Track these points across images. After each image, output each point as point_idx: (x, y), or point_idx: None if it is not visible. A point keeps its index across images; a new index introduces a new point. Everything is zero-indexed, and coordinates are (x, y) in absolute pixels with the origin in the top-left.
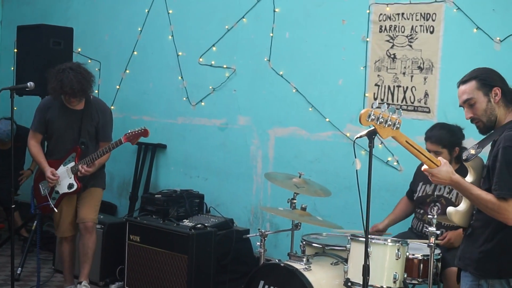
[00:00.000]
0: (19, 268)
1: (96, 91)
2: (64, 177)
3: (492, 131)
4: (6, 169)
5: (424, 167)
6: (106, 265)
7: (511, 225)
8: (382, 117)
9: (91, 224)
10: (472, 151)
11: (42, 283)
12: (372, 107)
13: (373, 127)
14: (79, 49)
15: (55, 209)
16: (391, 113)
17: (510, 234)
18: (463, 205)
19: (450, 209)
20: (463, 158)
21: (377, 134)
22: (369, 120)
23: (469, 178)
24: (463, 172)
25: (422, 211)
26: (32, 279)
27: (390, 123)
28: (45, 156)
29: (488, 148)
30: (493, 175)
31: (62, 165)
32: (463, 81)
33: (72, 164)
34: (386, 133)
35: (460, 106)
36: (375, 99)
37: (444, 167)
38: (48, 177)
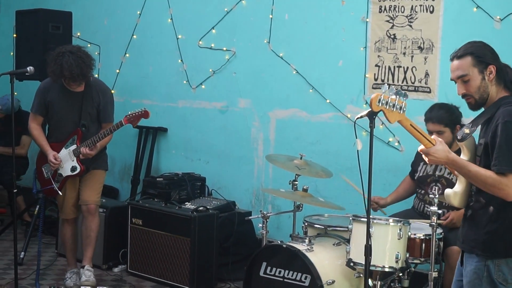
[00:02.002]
0: (22, 253)
1: (96, 75)
2: (67, 160)
3: (483, 108)
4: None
5: (420, 147)
6: (108, 248)
7: (511, 200)
8: (390, 101)
9: (94, 206)
10: (467, 130)
11: (45, 267)
12: (382, 90)
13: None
14: (79, 34)
15: (59, 192)
16: (398, 96)
17: None
18: (459, 186)
19: (447, 190)
20: (458, 138)
21: (386, 118)
22: (380, 105)
23: (464, 157)
24: (459, 153)
25: (423, 191)
26: (35, 263)
27: (398, 106)
28: (46, 138)
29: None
30: (492, 151)
31: (63, 147)
32: (458, 56)
33: (74, 146)
34: (394, 117)
35: (451, 79)
36: (376, 79)
37: (440, 146)
38: (50, 161)
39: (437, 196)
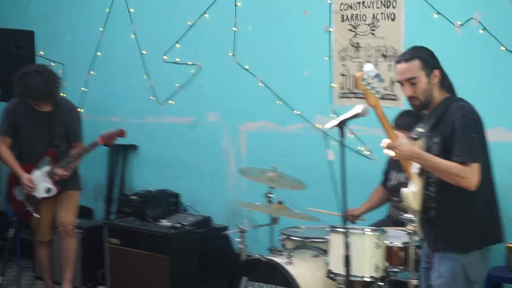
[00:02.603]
0: (0, 277)
1: (63, 94)
2: (40, 182)
3: (425, 109)
4: None
5: (385, 141)
6: (87, 269)
7: (474, 189)
8: (371, 82)
9: (71, 227)
10: (421, 130)
11: None
12: (365, 69)
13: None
14: (41, 52)
15: (35, 214)
16: (376, 80)
17: (481, 204)
18: (415, 186)
19: (406, 190)
20: (414, 137)
21: (366, 99)
22: (364, 83)
23: None
24: None
25: (397, 198)
26: (13, 287)
27: (376, 90)
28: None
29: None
30: (452, 144)
31: (35, 169)
32: (406, 59)
33: (48, 168)
34: (373, 100)
35: (398, 81)
36: (342, 88)
37: (403, 140)
38: (25, 184)
39: None
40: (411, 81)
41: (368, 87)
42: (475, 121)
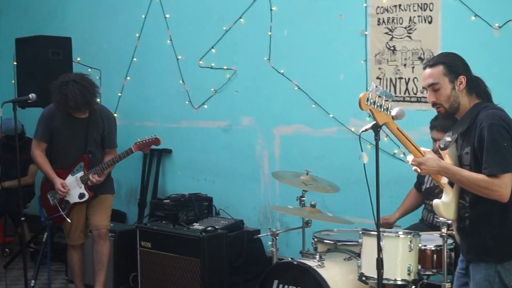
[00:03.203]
0: (33, 281)
1: (98, 100)
2: (74, 187)
3: (456, 116)
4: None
5: (410, 157)
6: (119, 273)
7: (506, 201)
8: (378, 101)
9: (105, 231)
10: (448, 138)
11: None
12: (368, 89)
13: (372, 113)
14: (79, 59)
15: (67, 219)
16: (384, 97)
17: None
18: (447, 196)
19: (436, 201)
20: (441, 146)
21: (374, 118)
22: (368, 103)
23: None
24: None
25: (431, 202)
26: None
27: (385, 107)
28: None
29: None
30: (481, 156)
31: (70, 174)
32: (430, 65)
33: (81, 173)
34: (382, 118)
35: (423, 88)
36: None
37: (430, 155)
38: (58, 189)
39: None
40: (434, 87)
41: (374, 106)
42: (506, 129)
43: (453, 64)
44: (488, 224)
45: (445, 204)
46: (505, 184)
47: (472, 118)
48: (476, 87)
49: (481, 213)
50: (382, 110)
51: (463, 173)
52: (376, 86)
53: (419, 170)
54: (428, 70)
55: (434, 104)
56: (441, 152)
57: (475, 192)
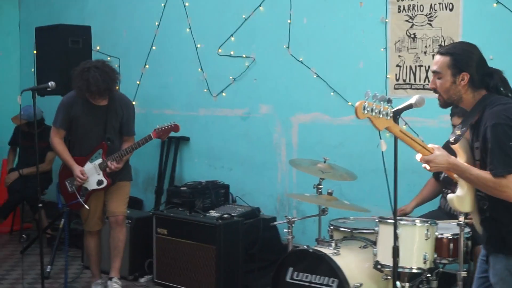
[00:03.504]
0: (49, 266)
1: (117, 88)
2: (92, 174)
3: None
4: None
5: (418, 156)
6: (134, 259)
7: None
8: (375, 107)
9: (122, 217)
10: (458, 132)
11: (71, 279)
12: (365, 98)
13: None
14: (98, 47)
15: (86, 206)
16: (383, 102)
17: None
18: (461, 190)
19: (450, 196)
20: (451, 141)
21: (373, 125)
22: (365, 112)
23: (460, 160)
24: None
25: (449, 191)
26: (62, 276)
27: (384, 113)
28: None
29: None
30: (486, 156)
31: (88, 161)
32: (441, 52)
33: (100, 160)
34: (381, 123)
35: (431, 70)
36: (397, 80)
37: (439, 152)
38: (77, 176)
39: None
40: (437, 76)
41: (372, 113)
42: (510, 126)
43: (460, 59)
44: (507, 216)
45: (460, 198)
46: None
47: (480, 110)
48: (488, 81)
49: (499, 205)
50: (381, 115)
51: (472, 171)
52: (372, 93)
53: (428, 168)
54: (437, 57)
55: (434, 91)
56: (452, 146)
57: (484, 190)
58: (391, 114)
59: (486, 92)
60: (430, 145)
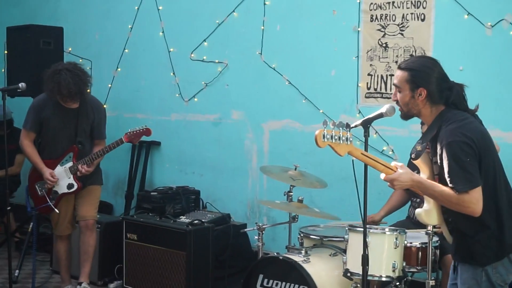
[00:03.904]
0: (17, 271)
1: (89, 91)
2: (63, 177)
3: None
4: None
5: (382, 176)
6: (104, 264)
7: (479, 215)
8: (335, 134)
9: (92, 222)
10: (419, 147)
11: (40, 284)
12: (323, 126)
13: (332, 144)
14: (70, 49)
15: (55, 209)
16: (341, 129)
17: (493, 219)
18: (428, 204)
19: (418, 210)
20: (412, 157)
21: (335, 151)
22: (325, 140)
23: (423, 175)
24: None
25: (418, 199)
26: (30, 281)
27: (344, 138)
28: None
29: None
30: (444, 173)
31: (58, 165)
32: (401, 67)
33: (70, 164)
34: (343, 149)
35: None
36: (368, 88)
37: (402, 170)
38: (47, 179)
39: None
40: (398, 89)
41: (332, 140)
42: (467, 143)
43: (418, 75)
44: (470, 228)
45: (427, 212)
46: (475, 199)
47: (438, 126)
48: (447, 96)
49: (462, 218)
50: (341, 142)
51: (436, 188)
52: (329, 121)
53: (392, 187)
54: (397, 71)
55: (396, 102)
56: (413, 162)
57: (448, 207)
58: (351, 139)
59: (444, 106)
60: (393, 163)
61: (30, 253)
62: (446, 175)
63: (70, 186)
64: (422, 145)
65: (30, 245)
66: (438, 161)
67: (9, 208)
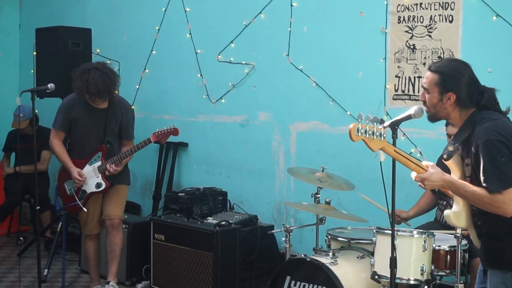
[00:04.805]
0: (46, 270)
1: (117, 92)
2: (91, 177)
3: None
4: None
5: (413, 174)
6: (132, 264)
7: (510, 215)
8: (369, 129)
9: (118, 221)
10: (451, 148)
11: (68, 284)
12: (358, 120)
13: (367, 138)
14: (98, 50)
15: (84, 208)
16: (375, 124)
17: None
18: (457, 206)
19: (447, 212)
20: (444, 157)
21: (368, 147)
22: (359, 134)
23: (454, 176)
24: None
25: (445, 202)
26: (59, 280)
27: (378, 133)
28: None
29: None
30: (478, 172)
31: (87, 164)
32: (431, 69)
33: (99, 163)
34: (376, 145)
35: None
36: (396, 90)
37: (433, 169)
38: (75, 178)
39: None
40: (426, 91)
41: (365, 135)
42: (502, 142)
43: (448, 79)
44: (500, 232)
45: (456, 214)
46: (509, 199)
47: (471, 127)
48: (478, 100)
49: (492, 220)
50: (375, 137)
51: (467, 188)
52: (365, 116)
53: (423, 186)
54: (427, 73)
55: (424, 103)
56: (445, 162)
57: (480, 207)
58: (385, 135)
59: (475, 109)
60: (424, 163)
61: (59, 253)
62: (480, 174)
63: (98, 185)
64: (454, 145)
65: (59, 244)
66: (472, 161)
67: (38, 207)
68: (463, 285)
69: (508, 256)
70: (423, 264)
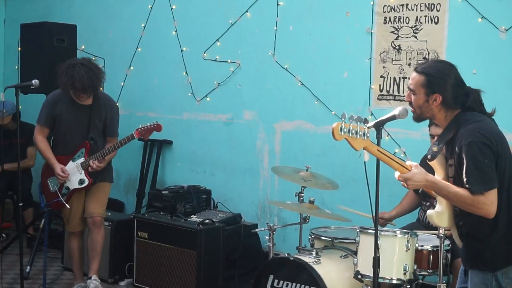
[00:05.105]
0: (28, 267)
1: (101, 88)
2: (74, 173)
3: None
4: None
5: (397, 174)
6: (114, 262)
7: (492, 217)
8: (352, 128)
9: (99, 219)
10: (435, 148)
11: (51, 281)
12: (341, 119)
13: (349, 137)
14: (83, 46)
15: (67, 205)
16: (359, 123)
17: (505, 223)
18: (440, 206)
19: (430, 212)
20: (428, 158)
21: (351, 146)
22: (342, 133)
23: (438, 176)
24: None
25: (428, 203)
26: (41, 277)
27: (361, 133)
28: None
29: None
30: (461, 173)
31: (71, 160)
32: (418, 70)
33: (82, 159)
34: (359, 144)
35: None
36: (381, 91)
37: (417, 169)
38: (58, 174)
39: None
40: (412, 92)
41: (348, 134)
42: (486, 144)
43: (434, 80)
44: (481, 233)
45: (439, 214)
46: (490, 201)
47: (455, 128)
48: (464, 101)
49: (473, 221)
50: (358, 136)
51: (450, 189)
52: (348, 115)
53: (406, 186)
54: (413, 74)
55: (410, 104)
56: (429, 163)
57: (462, 208)
58: (368, 134)
59: (460, 110)
60: (408, 163)
61: (41, 250)
62: (463, 175)
63: (81, 181)
64: (439, 146)
65: (42, 241)
66: (455, 162)
67: (21, 204)
68: (445, 285)
69: (488, 257)
70: (406, 264)
